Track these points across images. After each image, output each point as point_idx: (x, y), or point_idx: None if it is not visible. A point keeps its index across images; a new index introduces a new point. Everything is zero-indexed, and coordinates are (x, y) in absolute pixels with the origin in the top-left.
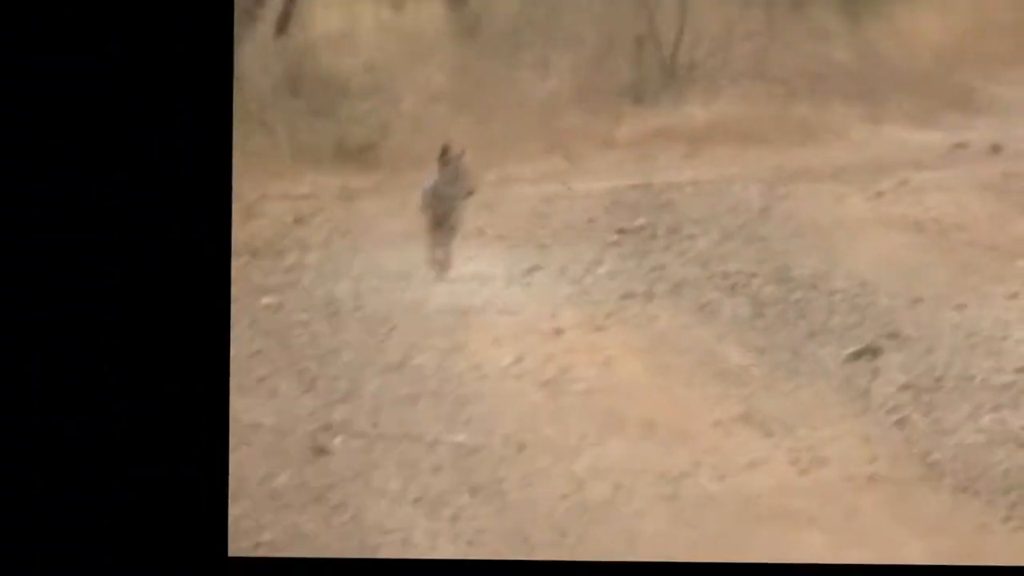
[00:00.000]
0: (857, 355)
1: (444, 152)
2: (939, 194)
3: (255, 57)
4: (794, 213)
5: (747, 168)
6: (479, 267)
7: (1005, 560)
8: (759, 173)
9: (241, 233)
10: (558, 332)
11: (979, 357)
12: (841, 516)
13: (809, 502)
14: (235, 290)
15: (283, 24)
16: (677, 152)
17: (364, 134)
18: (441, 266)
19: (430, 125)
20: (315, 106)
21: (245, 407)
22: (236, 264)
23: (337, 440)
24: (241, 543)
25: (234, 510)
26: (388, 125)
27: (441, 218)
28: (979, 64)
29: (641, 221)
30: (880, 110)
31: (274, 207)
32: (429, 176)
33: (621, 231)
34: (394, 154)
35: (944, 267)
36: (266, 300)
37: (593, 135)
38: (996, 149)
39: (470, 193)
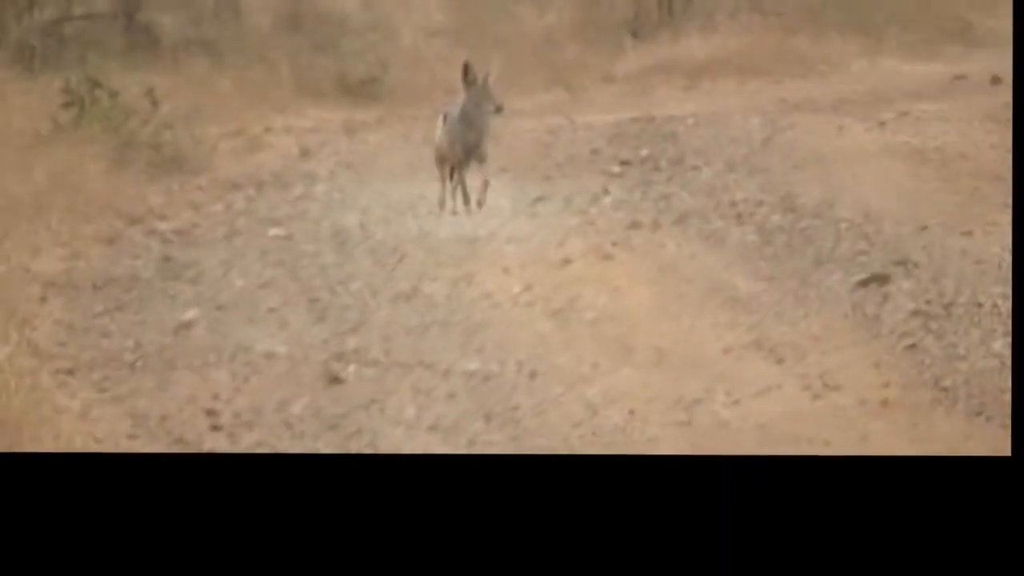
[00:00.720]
0: (866, 282)
1: (467, 71)
2: (941, 124)
3: None
4: (797, 144)
5: (747, 100)
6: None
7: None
8: (760, 105)
9: (247, 166)
10: (566, 262)
11: (988, 283)
12: (854, 441)
13: (822, 427)
14: (242, 222)
15: None
16: (677, 85)
17: (365, 69)
18: (476, 199)
19: (430, 60)
20: (316, 42)
21: (257, 337)
22: (242, 196)
23: (350, 369)
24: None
25: (250, 438)
26: (388, 60)
27: (472, 146)
28: None
29: (644, 152)
30: (878, 43)
31: (279, 140)
32: (448, 104)
33: (625, 162)
34: (395, 88)
35: (949, 195)
36: (274, 231)
37: (593, 69)
38: (996, 80)
39: (499, 109)
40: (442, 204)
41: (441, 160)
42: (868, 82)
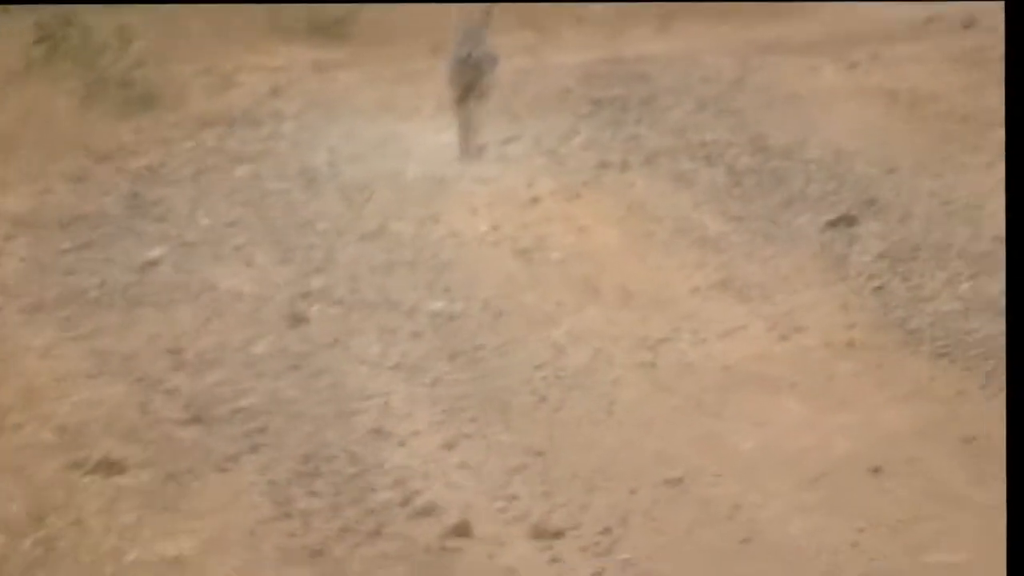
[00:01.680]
0: (834, 223)
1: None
2: (912, 66)
3: None
4: (768, 85)
5: (718, 42)
6: (453, 137)
7: (983, 426)
8: (731, 47)
9: (217, 104)
10: (534, 201)
11: (956, 225)
12: (820, 382)
13: (788, 368)
14: (211, 160)
15: None
16: (648, 27)
17: (335, 8)
18: (476, 148)
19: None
20: None
21: (222, 275)
22: (212, 134)
23: (315, 308)
24: (219, 409)
25: (212, 377)
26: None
27: (470, 86)
28: None
29: (615, 92)
30: None
31: (250, 79)
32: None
33: (595, 102)
34: (365, 28)
35: (919, 136)
36: (242, 170)
37: (563, 10)
38: (968, 23)
39: (487, 60)
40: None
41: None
42: (841, 23)
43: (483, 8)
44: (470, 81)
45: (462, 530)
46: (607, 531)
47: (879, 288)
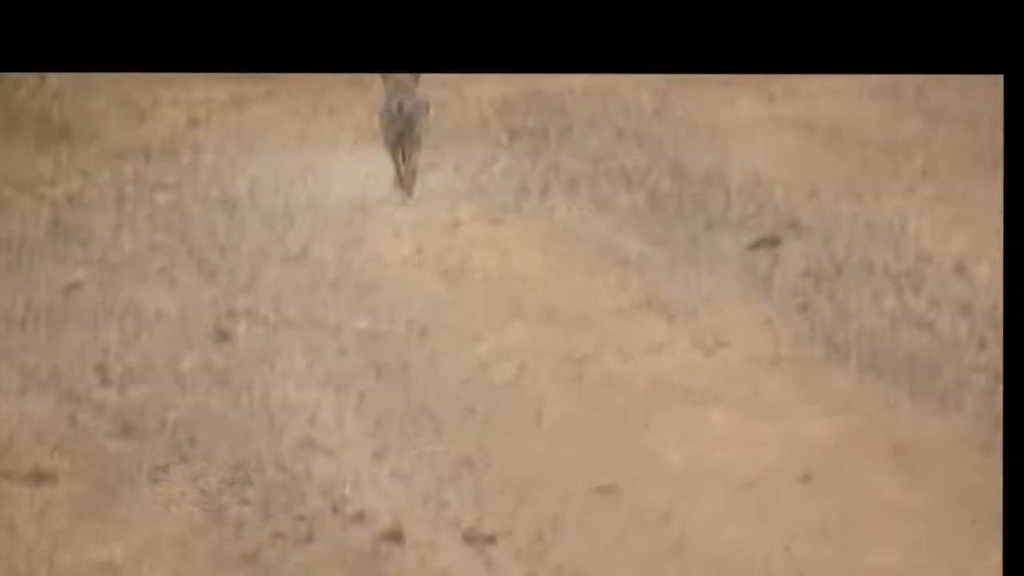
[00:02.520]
0: (756, 244)
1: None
2: (830, 97)
3: None
4: (686, 114)
5: (636, 75)
6: (373, 167)
7: (911, 436)
8: (648, 78)
9: (135, 135)
10: (456, 225)
11: (879, 246)
12: (746, 395)
13: (713, 382)
14: (131, 188)
15: None
16: None
17: None
18: (408, 183)
19: None
20: None
21: (146, 296)
22: (131, 164)
23: (240, 326)
24: (148, 421)
25: (140, 391)
26: None
27: (402, 136)
28: None
29: (533, 123)
30: None
31: (167, 112)
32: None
33: (514, 132)
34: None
35: (839, 164)
36: (163, 197)
37: None
38: None
39: (400, 107)
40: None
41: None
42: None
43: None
44: (401, 131)
45: (394, 535)
46: (539, 537)
47: (803, 305)
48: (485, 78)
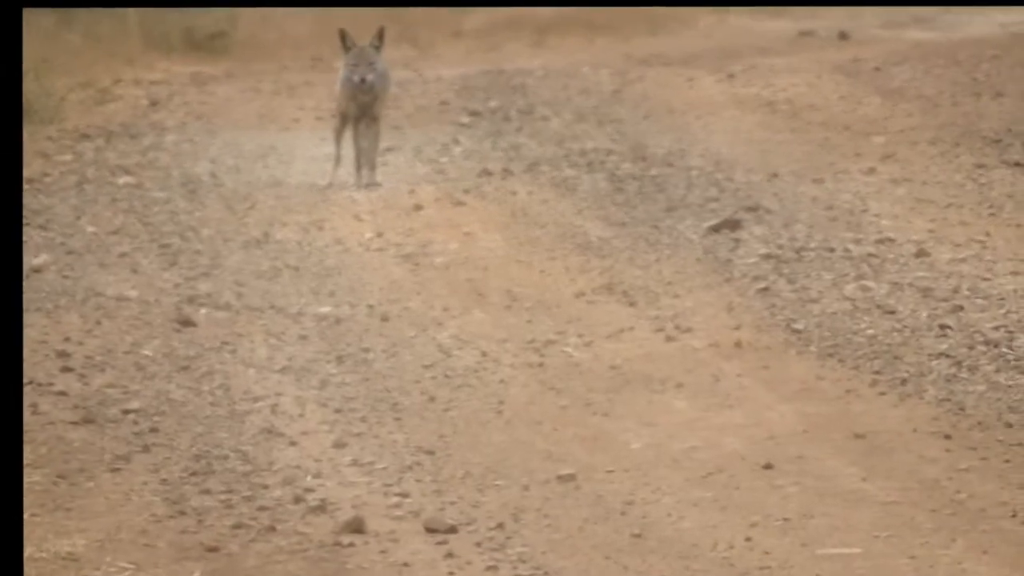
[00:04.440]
0: (717, 228)
1: (343, 38)
2: (790, 76)
3: None
4: (647, 95)
5: (596, 56)
6: (334, 148)
7: (872, 424)
8: (608, 60)
9: (96, 116)
10: (417, 208)
11: (839, 229)
12: (707, 382)
13: (675, 369)
14: (92, 171)
15: None
16: (525, 41)
17: (213, 23)
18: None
19: (278, 16)
20: None
21: (108, 281)
22: (92, 146)
23: (202, 312)
24: (110, 410)
25: (101, 379)
26: (236, 16)
27: (366, 106)
28: None
29: (494, 104)
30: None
31: (128, 92)
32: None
33: (474, 113)
34: (243, 43)
35: (799, 145)
36: (124, 180)
37: (441, 25)
38: (843, 36)
39: (363, 80)
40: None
41: (342, 117)
42: (717, 38)
43: (376, 31)
44: (364, 105)
45: (355, 526)
46: (500, 527)
47: (764, 290)
48: (445, 58)
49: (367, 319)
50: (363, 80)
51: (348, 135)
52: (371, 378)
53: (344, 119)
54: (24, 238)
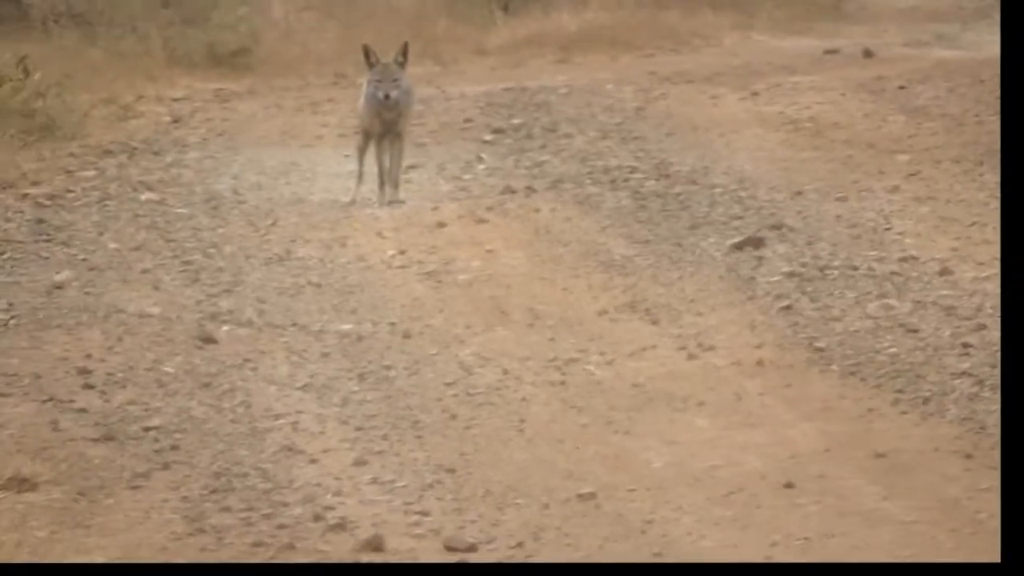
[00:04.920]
0: (740, 245)
1: (367, 54)
2: (814, 94)
3: None
4: (670, 113)
5: (620, 73)
6: (357, 165)
7: (894, 443)
8: (632, 77)
9: (118, 132)
10: (440, 225)
11: (863, 247)
12: (729, 400)
13: (697, 387)
14: (114, 187)
15: None
16: (549, 58)
17: (236, 40)
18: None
19: (301, 32)
20: (187, 15)
21: (130, 298)
22: (114, 162)
23: (224, 329)
24: (130, 427)
25: (122, 396)
26: (260, 33)
27: (390, 123)
28: None
29: (517, 121)
30: (750, 19)
31: (151, 109)
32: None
33: (498, 131)
34: (266, 60)
35: (823, 162)
36: (147, 196)
37: (465, 42)
38: (868, 54)
39: (387, 96)
40: (356, 192)
41: (365, 135)
42: (741, 56)
43: (399, 47)
44: (389, 122)
45: (375, 544)
46: (520, 545)
47: (787, 308)
48: (469, 75)
49: (389, 336)
50: (387, 96)
51: (371, 152)
52: (392, 396)
53: (367, 136)
54: (46, 254)
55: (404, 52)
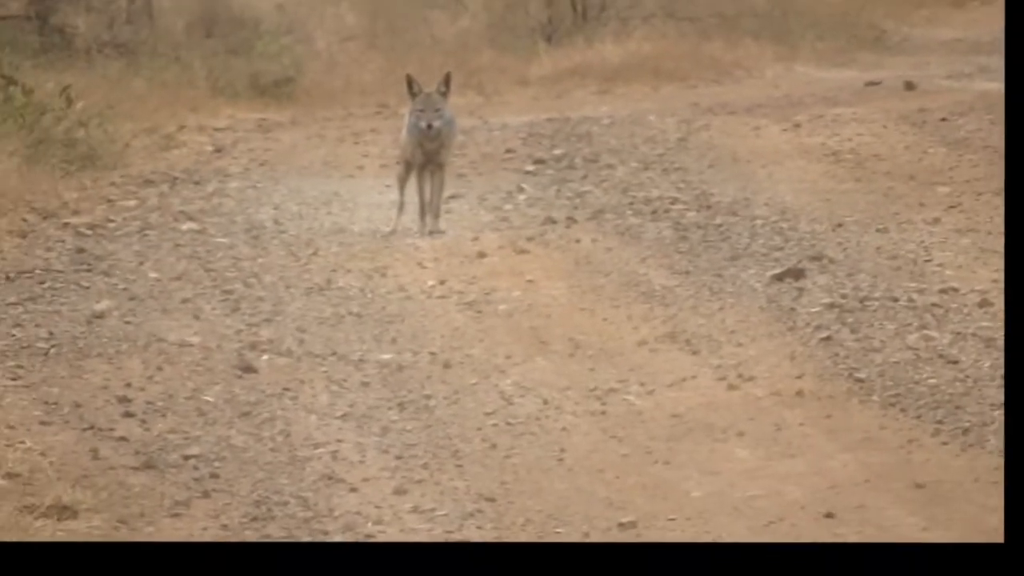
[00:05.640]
0: (781, 276)
1: (410, 84)
2: (856, 126)
3: None
4: (712, 144)
5: (662, 104)
6: (398, 195)
7: (934, 474)
8: (674, 108)
9: (160, 162)
10: (480, 256)
11: (903, 279)
12: (769, 431)
13: (737, 417)
14: (155, 217)
15: None
16: (591, 89)
17: (279, 70)
18: (433, 220)
19: (344, 63)
20: (230, 44)
21: (170, 327)
22: (155, 192)
23: (264, 359)
24: (170, 455)
25: (163, 424)
26: (302, 63)
27: (432, 153)
28: (889, 5)
29: (559, 151)
30: (792, 50)
31: (193, 138)
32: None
33: (539, 161)
34: (309, 90)
35: (864, 194)
36: (188, 226)
37: (507, 73)
38: (910, 86)
39: (429, 126)
40: (396, 223)
41: (406, 165)
42: (783, 87)
43: (442, 77)
44: (431, 152)
45: None
46: None
47: (827, 339)
48: (511, 105)
49: (429, 366)
50: (430, 126)
51: (412, 182)
52: (432, 425)
53: (408, 166)
54: (87, 283)
55: (447, 82)
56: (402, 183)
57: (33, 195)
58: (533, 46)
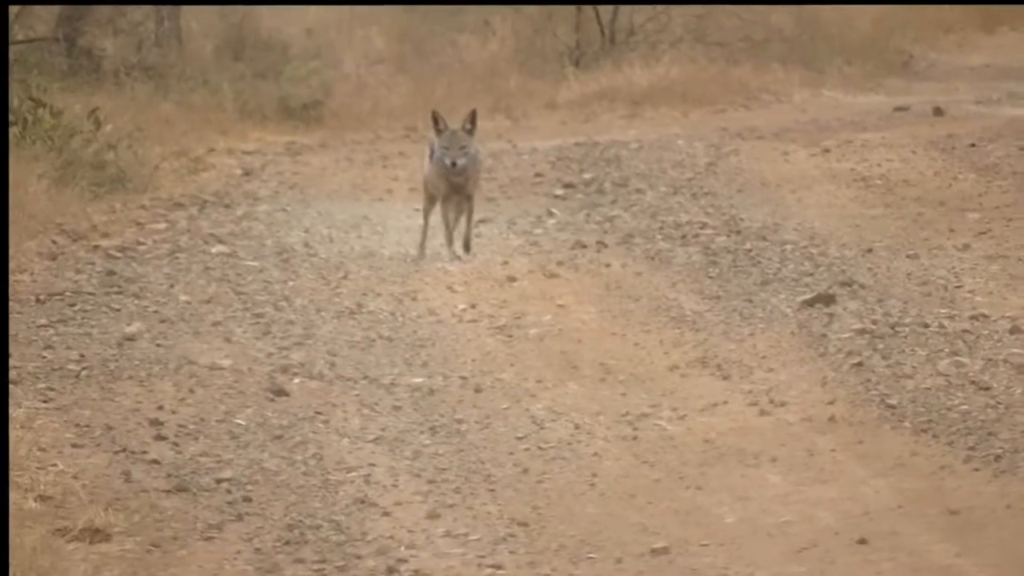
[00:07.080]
0: (811, 302)
1: (436, 121)
2: (885, 152)
3: (197, 21)
4: (741, 169)
5: (690, 128)
6: (423, 225)
7: (966, 500)
8: (703, 133)
9: (189, 185)
10: (510, 280)
11: (934, 305)
12: (801, 456)
13: (768, 443)
14: (185, 240)
15: None
16: (619, 113)
17: (308, 94)
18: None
19: (372, 86)
20: (258, 68)
21: (201, 350)
22: (184, 215)
23: (295, 382)
24: (203, 478)
25: (195, 447)
26: (331, 86)
27: (458, 187)
28: (917, 30)
29: (588, 176)
30: (820, 75)
31: (222, 161)
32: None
33: (568, 185)
34: (338, 113)
35: (894, 220)
36: (218, 248)
37: (536, 97)
38: (938, 111)
39: (454, 164)
40: (421, 250)
41: (430, 197)
42: (811, 112)
43: (467, 114)
44: (456, 186)
45: None
46: None
47: (858, 365)
48: (540, 129)
49: (460, 390)
50: (455, 164)
51: (436, 211)
52: (464, 449)
53: (432, 199)
54: (117, 306)
55: (472, 120)
56: (426, 213)
57: (63, 217)
58: (561, 70)
